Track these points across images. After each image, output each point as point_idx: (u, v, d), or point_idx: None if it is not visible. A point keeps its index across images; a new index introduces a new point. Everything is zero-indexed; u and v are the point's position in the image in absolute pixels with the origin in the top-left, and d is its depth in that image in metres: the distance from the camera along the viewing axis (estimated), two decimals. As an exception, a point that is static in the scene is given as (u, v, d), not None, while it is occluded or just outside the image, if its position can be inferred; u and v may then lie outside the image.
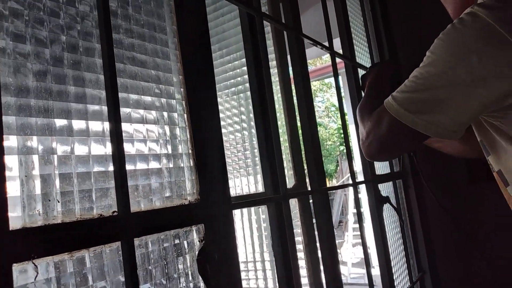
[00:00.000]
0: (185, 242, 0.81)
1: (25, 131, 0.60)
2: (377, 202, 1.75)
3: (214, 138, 0.92)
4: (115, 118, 0.67)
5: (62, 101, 0.66)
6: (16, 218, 0.58)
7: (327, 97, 15.07)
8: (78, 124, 0.66)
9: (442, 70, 0.74)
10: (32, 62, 0.61)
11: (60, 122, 0.63)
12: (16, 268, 0.55)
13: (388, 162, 2.06)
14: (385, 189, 1.96)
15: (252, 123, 1.38)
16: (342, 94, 1.74)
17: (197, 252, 0.83)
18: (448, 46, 0.75)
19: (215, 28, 1.43)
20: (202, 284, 0.83)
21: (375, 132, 0.90)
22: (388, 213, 1.92)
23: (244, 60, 1.32)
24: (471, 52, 0.71)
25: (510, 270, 1.90)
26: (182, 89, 0.87)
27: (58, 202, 0.62)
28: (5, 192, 0.51)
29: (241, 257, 1.40)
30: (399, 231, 2.03)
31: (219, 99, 1.32)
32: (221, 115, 0.99)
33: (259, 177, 1.40)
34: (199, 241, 0.85)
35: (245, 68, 1.35)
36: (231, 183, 1.41)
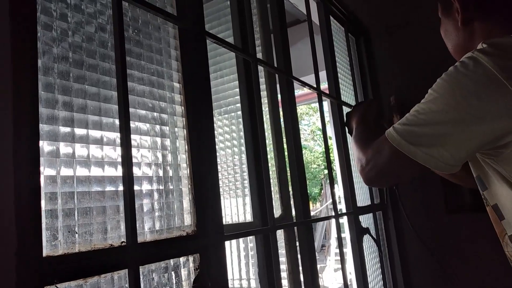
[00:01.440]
0: (182, 270, 0.90)
1: (52, 178, 0.69)
2: (357, 233, 1.85)
3: (211, 176, 1.01)
4: (127, 165, 0.76)
5: (82, 143, 0.75)
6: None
7: (313, 121, 15.32)
8: (95, 171, 0.75)
9: (444, 108, 0.80)
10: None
11: (81, 172, 0.72)
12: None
13: (369, 194, 2.17)
14: (366, 220, 2.07)
15: (243, 149, 1.47)
16: (327, 120, 1.85)
17: (192, 280, 0.91)
18: (450, 87, 0.81)
19: (213, 65, 1.54)
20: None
21: (375, 159, 0.97)
22: (368, 243, 2.02)
23: (237, 89, 1.43)
24: (471, 94, 0.77)
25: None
26: (185, 132, 0.97)
27: (76, 233, 0.71)
28: (40, 224, 0.60)
29: (230, 284, 1.47)
30: (378, 261, 2.13)
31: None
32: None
33: (248, 206, 1.50)
34: (194, 269, 0.94)
35: (239, 105, 1.45)
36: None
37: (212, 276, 0.95)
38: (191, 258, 0.94)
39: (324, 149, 1.81)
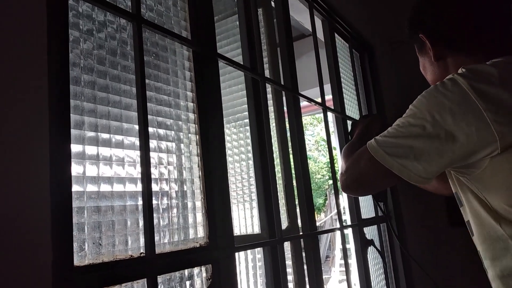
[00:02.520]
0: (196, 279, 0.95)
1: (79, 194, 0.75)
2: (362, 244, 1.89)
3: (222, 192, 1.07)
4: (147, 184, 0.82)
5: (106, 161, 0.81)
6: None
7: (317, 131, 15.38)
8: (117, 187, 0.81)
9: (421, 123, 0.85)
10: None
11: (105, 188, 0.78)
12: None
13: (373, 206, 2.21)
14: (370, 232, 2.11)
15: (250, 163, 1.53)
16: (332, 130, 1.89)
17: (205, 289, 0.97)
18: (428, 104, 0.86)
19: (224, 82, 1.60)
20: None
21: (353, 167, 1.01)
22: (372, 255, 2.06)
23: (246, 113, 1.49)
24: (446, 112, 0.82)
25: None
26: (198, 150, 1.03)
27: (100, 245, 0.76)
28: (72, 236, 0.65)
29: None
30: (383, 272, 2.16)
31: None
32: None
33: (255, 219, 1.55)
34: (207, 279, 0.99)
35: (247, 120, 1.51)
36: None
37: (223, 286, 1.00)
38: (203, 269, 0.99)
39: (328, 159, 1.86)
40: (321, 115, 1.80)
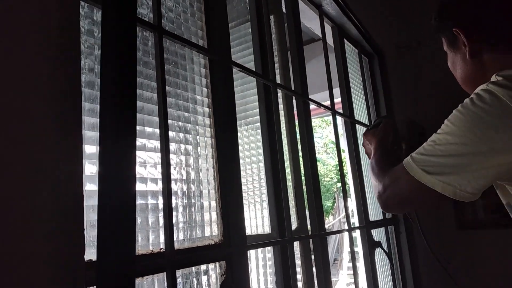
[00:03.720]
0: (211, 275, 1.01)
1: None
2: (369, 246, 1.94)
3: (236, 192, 1.12)
4: (167, 185, 0.88)
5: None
6: (94, 253, 0.77)
7: (326, 134, 15.39)
8: (140, 187, 0.87)
9: (460, 141, 0.82)
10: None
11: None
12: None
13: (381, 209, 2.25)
14: (378, 234, 2.15)
15: (262, 165, 1.58)
16: (341, 133, 1.93)
17: (220, 284, 1.02)
18: (466, 121, 0.82)
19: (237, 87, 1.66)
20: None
21: (393, 187, 0.98)
22: (380, 257, 2.10)
23: (258, 117, 1.54)
24: (489, 127, 0.79)
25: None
26: (213, 152, 1.09)
27: (124, 240, 0.82)
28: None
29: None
30: (390, 274, 2.20)
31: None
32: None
33: (266, 219, 1.60)
34: (221, 274, 1.05)
35: (258, 124, 1.57)
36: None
37: (236, 281, 1.06)
38: (218, 264, 1.05)
39: (337, 162, 1.90)
40: (330, 117, 1.84)
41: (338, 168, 10.30)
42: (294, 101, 1.64)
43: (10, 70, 0.60)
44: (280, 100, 1.66)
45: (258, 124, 1.58)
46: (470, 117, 0.82)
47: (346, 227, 1.81)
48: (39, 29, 0.64)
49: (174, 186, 0.95)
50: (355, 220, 2.03)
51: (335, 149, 1.88)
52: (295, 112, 1.65)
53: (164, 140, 0.90)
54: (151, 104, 0.92)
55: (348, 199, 1.94)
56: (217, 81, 1.12)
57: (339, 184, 13.28)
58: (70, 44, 0.68)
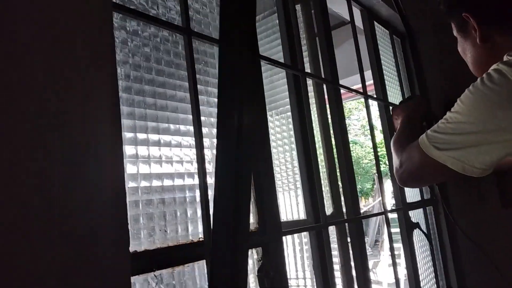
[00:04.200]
0: (249, 260, 1.06)
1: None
2: (407, 228, 1.94)
3: (268, 179, 1.17)
4: (203, 179, 0.94)
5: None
6: (138, 244, 0.84)
7: (363, 116, 15.15)
8: (178, 182, 0.93)
9: (469, 120, 0.86)
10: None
11: (167, 182, 0.91)
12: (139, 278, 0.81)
13: (419, 189, 2.23)
14: (416, 215, 2.14)
15: (294, 154, 1.62)
16: (377, 115, 1.92)
17: (257, 269, 1.08)
18: (475, 100, 0.85)
19: (266, 78, 1.70)
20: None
21: (407, 163, 1.04)
22: (419, 237, 2.10)
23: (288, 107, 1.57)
24: (496, 107, 0.82)
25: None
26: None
27: (166, 231, 0.89)
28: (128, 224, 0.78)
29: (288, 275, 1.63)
30: (429, 254, 2.19)
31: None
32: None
33: (301, 205, 1.64)
34: (258, 260, 1.10)
35: (289, 113, 1.59)
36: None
37: (273, 266, 1.11)
38: (254, 251, 1.10)
39: (375, 142, 1.90)
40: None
41: (378, 148, 10.15)
42: (324, 87, 1.65)
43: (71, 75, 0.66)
44: (310, 88, 1.68)
45: (289, 113, 1.61)
46: (478, 96, 0.85)
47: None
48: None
49: (209, 180, 1.00)
50: (393, 202, 2.03)
51: (374, 129, 1.88)
52: (326, 98, 1.67)
53: (198, 136, 0.95)
54: (184, 103, 0.97)
55: (387, 181, 1.94)
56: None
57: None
58: (107, 53, 0.74)
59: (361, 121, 14.98)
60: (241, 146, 0.85)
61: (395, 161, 1.13)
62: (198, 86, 0.99)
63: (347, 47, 3.51)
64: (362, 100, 1.88)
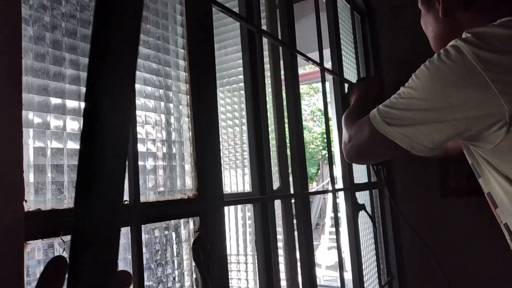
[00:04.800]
0: (183, 231, 0.93)
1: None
2: (353, 209, 1.88)
3: (213, 139, 1.03)
4: (132, 125, 0.78)
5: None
6: (42, 201, 0.68)
7: (313, 101, 15.30)
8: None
9: (422, 96, 0.83)
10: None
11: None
12: (44, 242, 0.65)
13: (366, 172, 2.20)
14: (362, 197, 2.10)
15: (244, 121, 1.49)
16: (328, 100, 1.86)
17: (192, 241, 0.94)
18: (430, 75, 0.83)
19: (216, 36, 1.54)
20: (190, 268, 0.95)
21: (356, 137, 1.01)
22: (363, 219, 2.06)
23: (240, 61, 1.43)
24: (449, 84, 0.80)
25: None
26: (188, 98, 0.98)
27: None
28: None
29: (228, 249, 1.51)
30: (372, 237, 2.17)
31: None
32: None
33: (247, 177, 1.52)
34: (194, 231, 0.97)
35: (240, 69, 1.45)
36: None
37: (211, 239, 0.98)
38: (191, 221, 0.96)
39: (323, 130, 1.84)
40: (318, 84, 1.75)
41: (324, 136, 10.33)
42: (280, 53, 1.52)
43: None
44: (266, 53, 1.54)
45: (241, 77, 1.47)
46: (434, 73, 0.82)
47: (331, 188, 1.75)
48: None
49: (140, 129, 0.84)
50: (339, 186, 1.97)
51: (322, 115, 1.80)
52: (281, 65, 1.54)
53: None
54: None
55: (333, 166, 1.87)
56: (194, 19, 1.00)
57: (324, 152, 13.36)
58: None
59: (311, 106, 15.13)
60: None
61: (344, 135, 1.09)
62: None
63: (305, 23, 3.41)
64: (314, 85, 1.79)
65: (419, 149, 0.86)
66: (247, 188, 1.51)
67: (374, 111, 0.93)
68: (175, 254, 0.91)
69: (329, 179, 1.71)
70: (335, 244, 1.77)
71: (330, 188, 1.75)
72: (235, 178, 1.54)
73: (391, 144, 0.88)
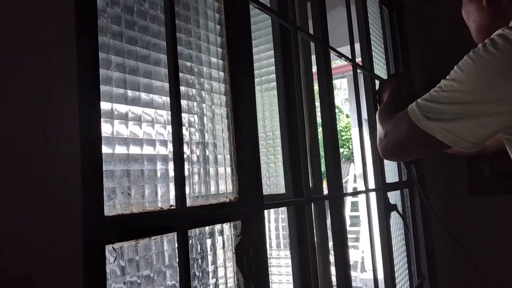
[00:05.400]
0: (225, 236, 0.90)
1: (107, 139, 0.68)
2: (385, 209, 1.83)
3: (252, 141, 1.00)
4: (178, 126, 0.75)
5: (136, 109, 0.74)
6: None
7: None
8: (147, 130, 0.74)
9: (467, 88, 0.78)
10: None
11: (134, 129, 0.72)
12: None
13: (397, 171, 2.14)
14: (393, 197, 2.05)
15: (276, 122, 1.45)
16: (346, 97, 1.81)
17: (235, 246, 0.92)
18: (476, 67, 0.78)
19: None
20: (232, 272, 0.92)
21: (393, 133, 0.96)
22: (394, 220, 2.01)
23: (271, 60, 1.39)
24: (497, 75, 0.75)
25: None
26: (228, 102, 0.96)
27: (130, 195, 0.71)
28: (102, 183, 0.59)
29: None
30: (403, 238, 2.12)
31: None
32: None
33: (281, 178, 1.49)
34: (236, 236, 0.94)
35: (272, 67, 1.41)
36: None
37: (252, 243, 0.95)
38: (232, 225, 0.94)
39: (341, 127, 1.79)
40: (339, 80, 1.71)
41: (341, 133, 10.20)
42: (312, 49, 1.48)
43: None
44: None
45: (273, 76, 1.43)
46: (479, 64, 0.78)
47: (364, 189, 1.70)
48: None
49: (185, 131, 0.82)
50: (357, 185, 1.92)
51: (340, 114, 1.76)
52: (314, 61, 1.50)
53: (174, 82, 0.76)
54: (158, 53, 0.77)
55: (352, 164, 1.82)
56: (231, 16, 0.97)
57: (341, 150, 13.22)
58: None
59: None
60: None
61: (380, 131, 1.04)
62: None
63: (329, 17, 3.35)
64: (335, 81, 1.73)
65: (462, 144, 0.81)
66: (273, 189, 1.48)
67: (412, 105, 0.88)
68: (218, 259, 0.88)
69: (348, 177, 1.67)
70: (354, 244, 1.73)
71: (361, 188, 1.70)
72: (268, 179, 1.50)
73: (432, 140, 0.83)
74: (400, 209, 2.04)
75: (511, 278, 2.01)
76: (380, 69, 2.10)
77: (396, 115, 0.97)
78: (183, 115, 0.83)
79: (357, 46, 1.83)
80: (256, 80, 1.53)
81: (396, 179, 2.12)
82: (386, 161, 1.95)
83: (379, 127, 1.08)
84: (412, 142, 0.92)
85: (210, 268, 0.86)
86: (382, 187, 1.83)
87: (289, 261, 1.33)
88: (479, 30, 0.99)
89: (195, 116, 0.87)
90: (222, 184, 0.93)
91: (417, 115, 0.85)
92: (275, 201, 1.14)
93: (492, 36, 0.80)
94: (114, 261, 0.64)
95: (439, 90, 0.84)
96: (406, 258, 2.11)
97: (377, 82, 1.89)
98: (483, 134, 0.80)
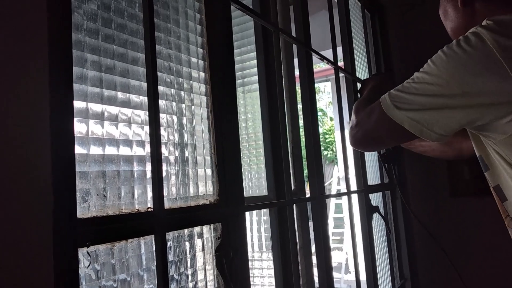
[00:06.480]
0: (205, 238, 0.89)
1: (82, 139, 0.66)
2: (368, 211, 1.84)
3: (233, 143, 0.99)
4: (155, 126, 0.74)
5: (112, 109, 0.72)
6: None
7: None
8: (124, 130, 0.73)
9: (437, 81, 0.80)
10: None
11: (110, 129, 0.70)
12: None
13: (379, 173, 2.16)
14: (375, 199, 2.06)
15: (259, 124, 1.45)
16: (330, 100, 1.82)
17: (215, 248, 0.90)
18: (448, 62, 0.80)
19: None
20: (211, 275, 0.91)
21: (364, 122, 0.98)
22: (376, 222, 2.02)
23: (254, 61, 1.38)
24: (467, 71, 0.77)
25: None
26: (209, 102, 0.95)
27: (105, 197, 0.69)
28: (75, 185, 0.57)
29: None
30: (385, 240, 2.13)
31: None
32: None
33: (255, 180, 1.48)
34: (216, 238, 0.93)
35: (255, 69, 1.40)
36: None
37: (233, 245, 0.94)
38: (212, 227, 0.92)
39: (325, 130, 1.79)
40: (323, 84, 1.72)
41: (325, 136, 10.26)
42: (295, 52, 1.48)
43: None
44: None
45: (255, 78, 1.43)
46: (451, 59, 0.80)
47: (346, 191, 1.70)
48: None
49: (162, 131, 0.80)
50: (341, 187, 1.93)
51: (323, 117, 1.76)
52: (296, 64, 1.50)
53: (152, 81, 0.75)
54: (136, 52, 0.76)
55: (335, 167, 1.83)
56: (212, 16, 0.96)
57: (325, 152, 13.32)
58: None
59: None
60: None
61: (352, 120, 1.06)
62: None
63: (312, 21, 3.37)
64: (316, 85, 1.73)
65: (429, 135, 0.83)
66: (255, 191, 1.47)
67: (385, 95, 0.90)
68: (197, 262, 0.87)
69: (331, 179, 1.67)
70: (338, 246, 1.73)
71: (343, 190, 1.71)
72: (250, 182, 1.50)
73: (399, 129, 0.85)
74: (382, 211, 2.06)
75: (490, 277, 2.04)
76: (362, 72, 2.12)
77: (370, 105, 0.98)
78: (161, 115, 0.81)
79: (339, 50, 1.85)
80: (238, 81, 1.53)
81: (378, 181, 2.14)
82: (368, 163, 1.97)
83: (352, 117, 1.09)
84: (381, 131, 0.94)
85: (189, 271, 0.85)
86: (364, 189, 1.84)
87: (271, 263, 1.32)
88: (455, 30, 1.01)
89: (174, 117, 0.86)
90: (202, 185, 0.92)
91: (388, 104, 0.87)
92: (256, 203, 1.13)
93: (466, 33, 0.81)
94: (89, 265, 0.62)
95: (411, 81, 0.85)
96: (388, 259, 2.12)
97: (359, 85, 1.91)
98: (449, 126, 0.82)
